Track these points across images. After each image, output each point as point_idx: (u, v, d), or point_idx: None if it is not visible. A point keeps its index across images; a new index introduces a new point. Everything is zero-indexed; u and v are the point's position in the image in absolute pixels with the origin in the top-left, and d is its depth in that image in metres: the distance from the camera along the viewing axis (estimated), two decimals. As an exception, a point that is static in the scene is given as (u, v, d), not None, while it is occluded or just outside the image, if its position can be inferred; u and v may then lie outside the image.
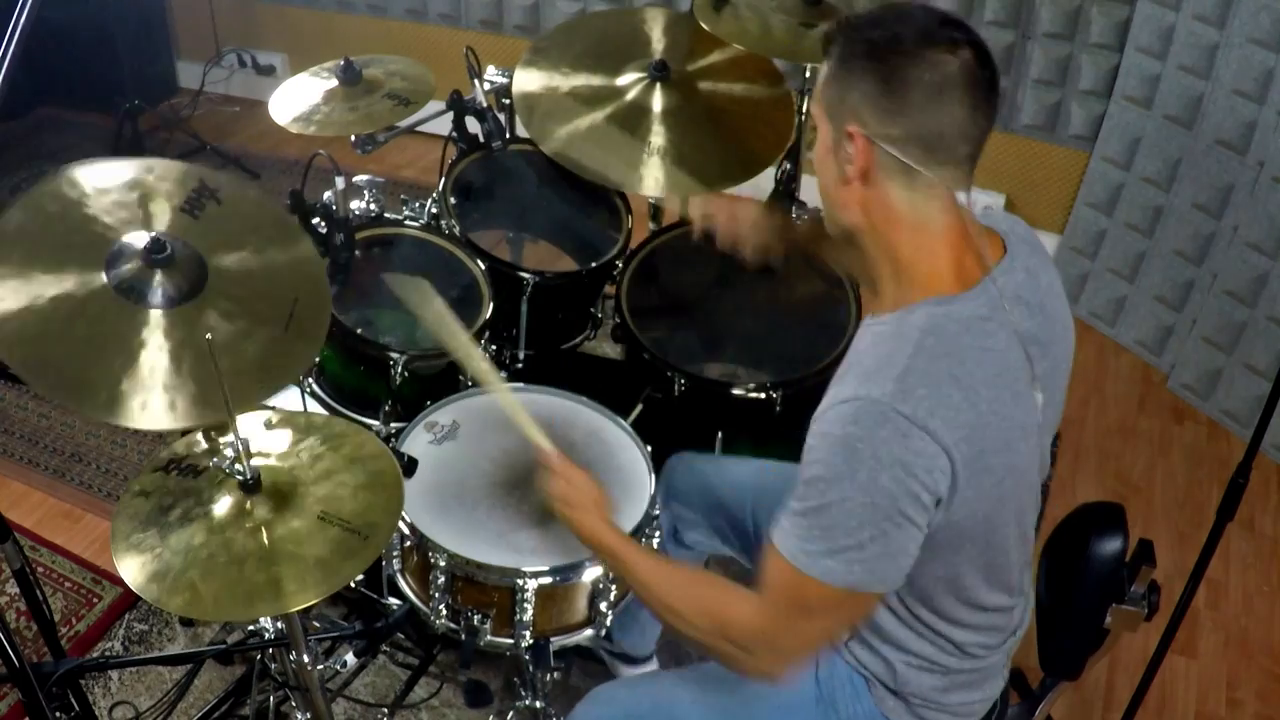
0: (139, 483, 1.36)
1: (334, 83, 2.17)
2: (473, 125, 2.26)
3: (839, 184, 1.23)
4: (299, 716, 1.82)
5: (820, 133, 1.24)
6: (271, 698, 1.98)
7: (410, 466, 1.58)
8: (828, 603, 1.18)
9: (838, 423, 1.14)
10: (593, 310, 2.33)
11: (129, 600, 2.32)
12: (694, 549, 1.83)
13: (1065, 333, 1.31)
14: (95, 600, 2.34)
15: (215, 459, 1.32)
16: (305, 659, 1.51)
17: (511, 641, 1.66)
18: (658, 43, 2.37)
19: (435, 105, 2.20)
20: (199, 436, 1.37)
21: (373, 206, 2.13)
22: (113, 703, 2.10)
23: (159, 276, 1.34)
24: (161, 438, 2.75)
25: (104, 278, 1.31)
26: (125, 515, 1.31)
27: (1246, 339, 2.79)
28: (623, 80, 2.27)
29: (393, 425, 1.98)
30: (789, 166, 2.28)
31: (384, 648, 2.19)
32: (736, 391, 1.96)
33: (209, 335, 1.20)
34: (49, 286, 1.28)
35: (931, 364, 1.14)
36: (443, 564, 1.61)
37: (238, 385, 1.27)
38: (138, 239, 1.36)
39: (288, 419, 1.49)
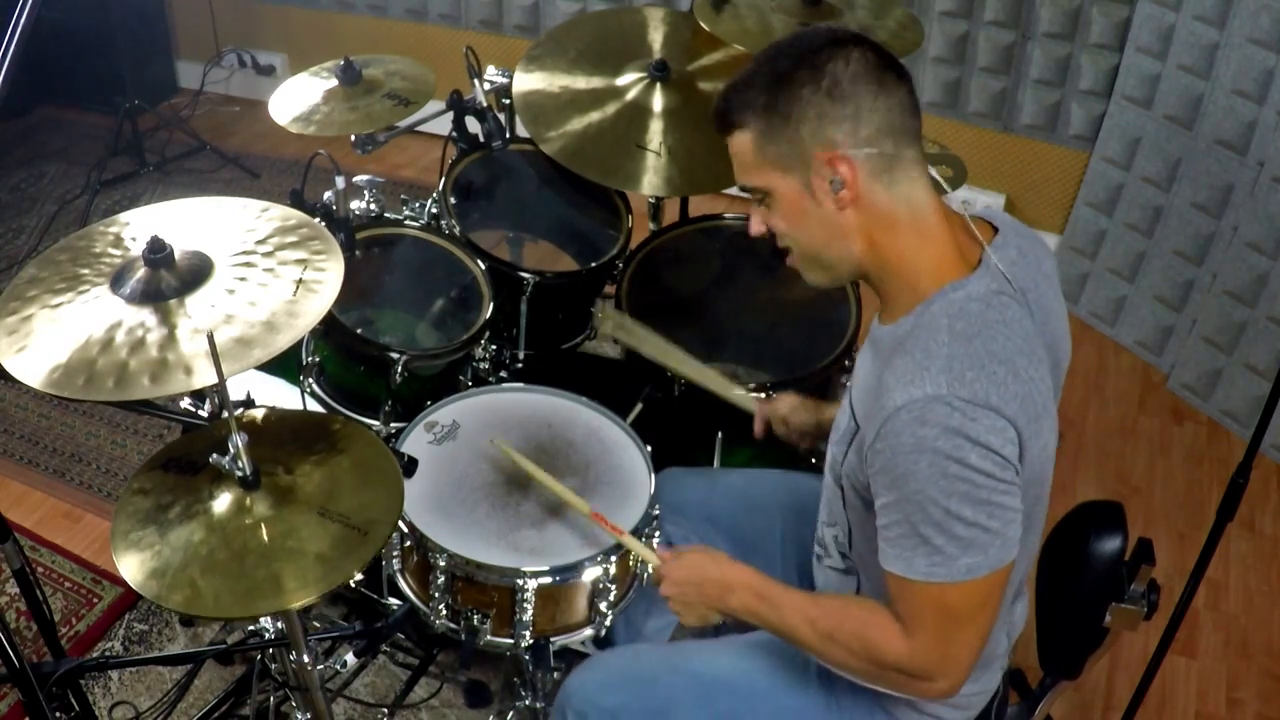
0: (138, 480, 1.36)
1: (334, 83, 2.17)
2: (473, 125, 2.26)
3: (832, 219, 1.21)
4: (299, 716, 1.82)
5: (780, 196, 1.22)
6: (271, 698, 1.98)
7: (410, 466, 1.58)
8: (975, 598, 1.18)
9: (904, 431, 1.13)
10: (593, 310, 2.33)
11: (129, 600, 2.32)
12: None
13: (1059, 318, 1.32)
14: (95, 600, 2.34)
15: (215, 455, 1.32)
16: (305, 659, 1.51)
17: (511, 641, 1.66)
18: (657, 42, 2.37)
19: (435, 105, 2.20)
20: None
21: (373, 206, 2.13)
22: (113, 703, 2.10)
23: (164, 273, 1.36)
24: (161, 437, 2.76)
25: (120, 300, 1.35)
26: (125, 513, 1.31)
27: (1246, 339, 2.79)
28: (623, 80, 2.27)
29: (392, 425, 1.98)
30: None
31: (384, 648, 2.19)
32: (737, 391, 1.96)
33: (210, 331, 1.20)
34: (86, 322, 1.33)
35: (969, 346, 1.14)
36: (442, 564, 1.61)
37: (248, 349, 1.30)
38: (135, 249, 1.40)
39: (287, 416, 1.49)
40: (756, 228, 1.29)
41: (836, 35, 1.18)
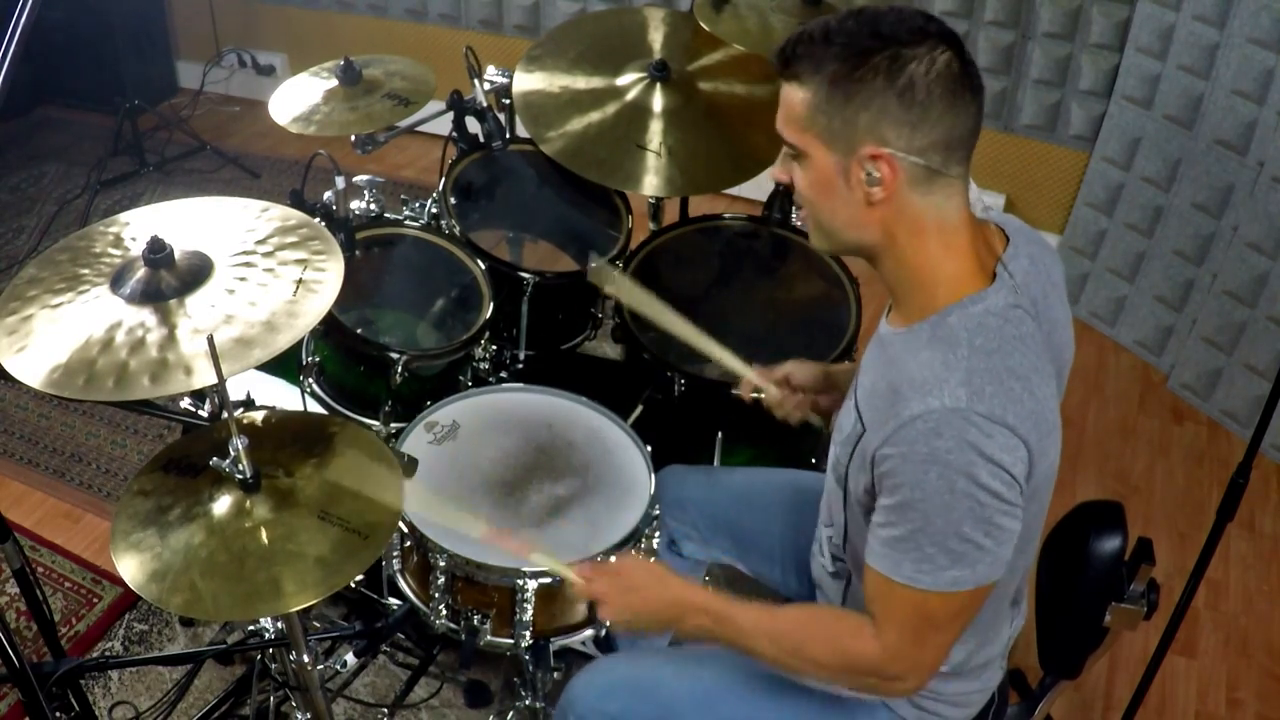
0: (139, 482, 1.36)
1: (334, 83, 2.18)
2: (473, 125, 2.26)
3: (857, 208, 1.18)
4: (299, 716, 1.82)
5: (815, 162, 1.18)
6: (271, 698, 1.98)
7: (410, 466, 1.58)
8: (954, 609, 1.18)
9: (919, 440, 1.12)
10: (593, 310, 2.33)
11: (129, 600, 2.32)
12: (690, 559, 1.83)
13: (1064, 327, 1.32)
14: (95, 600, 2.34)
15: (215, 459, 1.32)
16: (305, 659, 1.51)
17: (511, 641, 1.66)
18: (658, 42, 2.37)
19: (435, 105, 2.20)
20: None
21: (373, 206, 2.13)
22: (113, 703, 2.10)
23: (164, 273, 1.36)
24: (161, 437, 2.76)
25: (120, 300, 1.35)
26: (125, 514, 1.31)
27: (1246, 339, 2.79)
28: (623, 80, 2.27)
29: (393, 425, 1.98)
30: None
31: (384, 648, 2.19)
32: (736, 392, 1.95)
33: (210, 334, 1.20)
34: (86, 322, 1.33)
35: (989, 361, 1.14)
36: (443, 564, 1.61)
37: (248, 349, 1.30)
38: (135, 249, 1.40)
39: (287, 418, 1.49)
40: (779, 175, 1.24)
41: (931, 31, 1.12)
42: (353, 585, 1.53)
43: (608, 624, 1.42)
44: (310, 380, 2.03)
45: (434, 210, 2.20)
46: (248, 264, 1.41)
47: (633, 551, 1.58)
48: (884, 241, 1.20)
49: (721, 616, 1.33)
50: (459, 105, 2.22)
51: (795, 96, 1.16)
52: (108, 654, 2.21)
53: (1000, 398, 1.12)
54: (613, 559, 1.47)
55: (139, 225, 1.47)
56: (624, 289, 1.82)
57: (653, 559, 1.72)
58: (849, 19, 1.13)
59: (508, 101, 2.34)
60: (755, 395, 1.70)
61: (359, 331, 1.92)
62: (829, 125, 1.14)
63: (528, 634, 1.65)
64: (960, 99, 1.12)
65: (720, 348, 1.74)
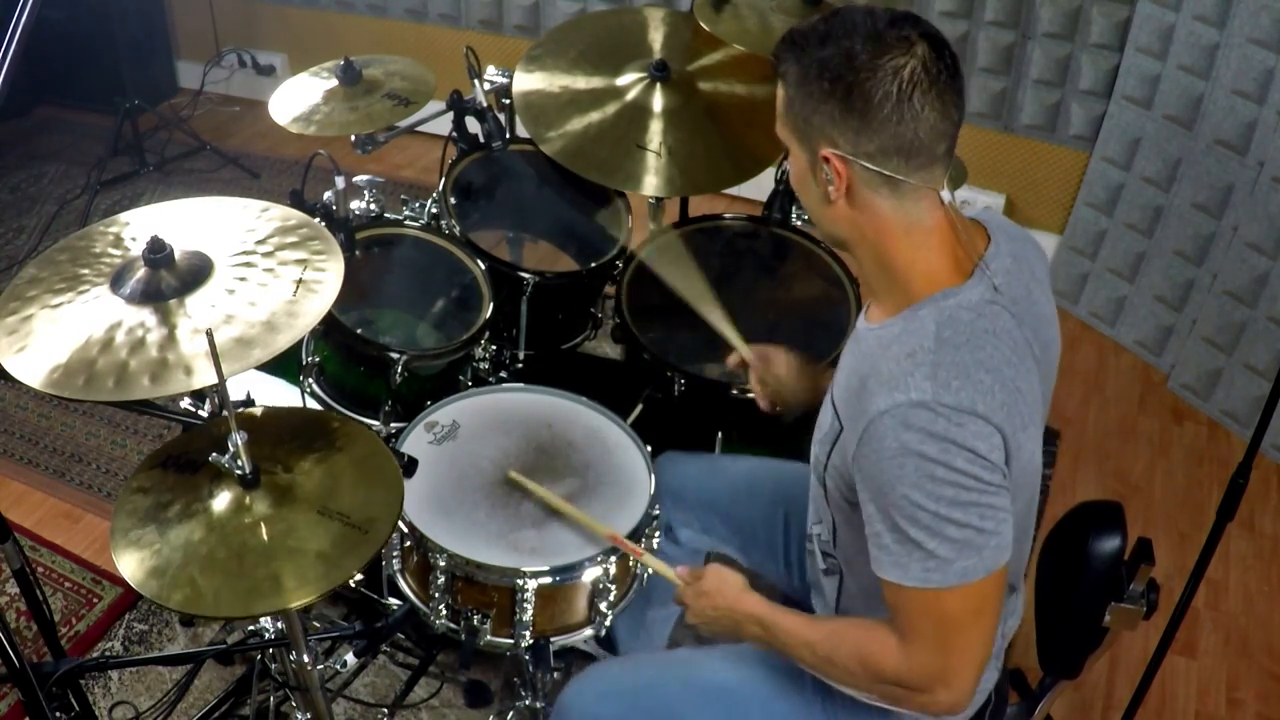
0: (137, 479, 1.36)
1: (334, 83, 2.18)
2: (473, 125, 2.26)
3: (824, 204, 1.22)
4: (299, 716, 1.82)
5: (793, 156, 1.24)
6: (271, 698, 1.98)
7: (410, 466, 1.58)
8: (972, 603, 1.17)
9: (887, 435, 1.13)
10: (593, 310, 2.33)
11: (129, 600, 2.32)
12: (686, 546, 1.83)
13: (1050, 323, 1.32)
14: (95, 600, 2.34)
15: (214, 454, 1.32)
16: (305, 659, 1.51)
17: (511, 641, 1.66)
18: (658, 42, 2.37)
19: (435, 105, 2.20)
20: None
21: (373, 206, 2.13)
22: (113, 703, 2.10)
23: (164, 273, 1.36)
24: (161, 437, 2.76)
25: (120, 300, 1.35)
26: (124, 511, 1.31)
27: (1246, 339, 2.79)
28: (623, 80, 2.27)
29: (393, 425, 1.98)
30: (789, 166, 2.29)
31: (384, 648, 2.19)
32: (736, 391, 1.96)
33: (209, 329, 1.20)
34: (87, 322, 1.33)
35: (956, 354, 1.14)
36: (442, 564, 1.61)
37: (248, 349, 1.30)
38: (135, 249, 1.40)
39: (285, 414, 1.49)
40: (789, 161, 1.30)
41: (890, 37, 1.12)
42: (353, 585, 1.53)
43: (693, 625, 1.50)
44: (310, 380, 2.03)
45: (434, 210, 2.20)
46: (248, 264, 1.41)
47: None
48: (854, 237, 1.24)
49: (769, 625, 1.37)
50: (459, 105, 2.22)
51: (779, 93, 1.22)
52: (108, 654, 2.21)
53: (968, 390, 1.12)
54: (707, 568, 1.51)
55: (139, 225, 1.47)
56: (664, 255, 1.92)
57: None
58: (821, 22, 1.17)
59: (508, 101, 2.34)
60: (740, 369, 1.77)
61: (359, 331, 1.92)
62: (795, 124, 1.20)
63: (528, 634, 1.65)
64: (917, 104, 1.12)
65: (725, 321, 1.81)
